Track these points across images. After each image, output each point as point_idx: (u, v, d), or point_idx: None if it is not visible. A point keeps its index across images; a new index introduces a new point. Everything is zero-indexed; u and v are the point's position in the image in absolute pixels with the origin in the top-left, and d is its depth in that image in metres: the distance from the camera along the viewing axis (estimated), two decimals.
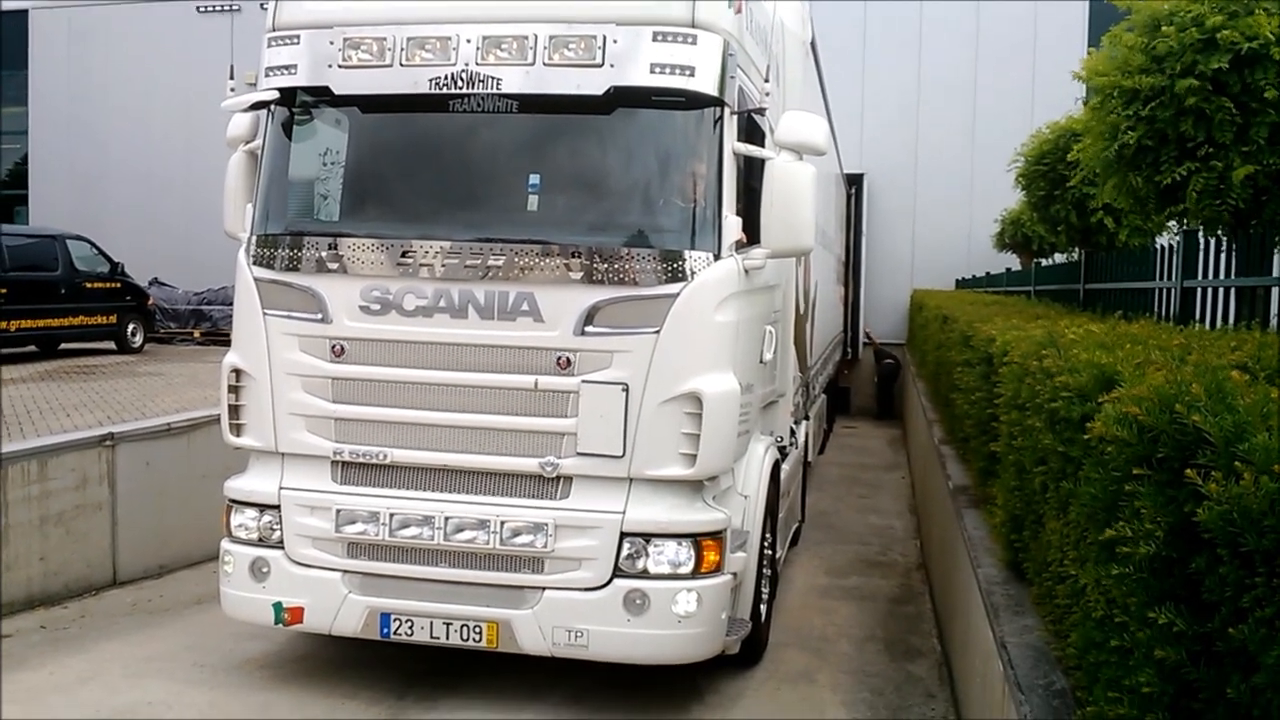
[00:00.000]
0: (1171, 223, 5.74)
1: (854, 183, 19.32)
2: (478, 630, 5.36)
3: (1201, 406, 2.30)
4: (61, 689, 5.89)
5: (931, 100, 20.09)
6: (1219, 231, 5.08)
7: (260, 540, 5.69)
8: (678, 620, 5.24)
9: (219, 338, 18.54)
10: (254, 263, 5.69)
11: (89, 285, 16.89)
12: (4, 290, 15.16)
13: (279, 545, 5.64)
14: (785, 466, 7.30)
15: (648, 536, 5.27)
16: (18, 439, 7.90)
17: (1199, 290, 5.46)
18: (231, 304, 5.96)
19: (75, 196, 23.60)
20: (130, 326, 17.55)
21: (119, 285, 17.52)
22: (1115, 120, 4.91)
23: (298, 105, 5.80)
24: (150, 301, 18.59)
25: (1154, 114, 4.68)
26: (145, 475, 8.23)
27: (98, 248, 17.46)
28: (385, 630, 5.46)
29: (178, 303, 21.21)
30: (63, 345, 16.77)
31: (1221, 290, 5.24)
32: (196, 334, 20.50)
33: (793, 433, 7.96)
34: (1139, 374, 2.84)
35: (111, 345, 17.29)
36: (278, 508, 5.64)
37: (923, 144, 20.22)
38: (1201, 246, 5.43)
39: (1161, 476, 2.34)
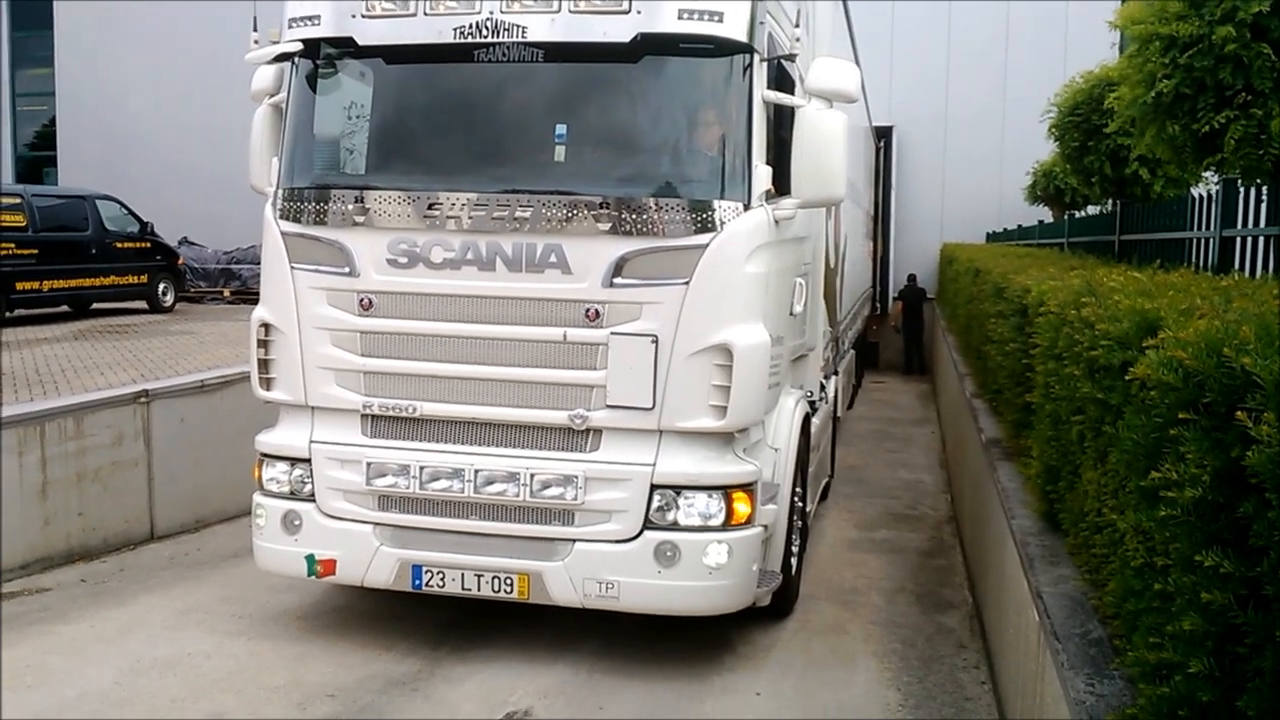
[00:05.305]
0: (1207, 173, 5.60)
1: (883, 135, 19.01)
2: (509, 582, 5.40)
3: (1251, 349, 2.24)
4: (103, 640, 6.00)
5: (962, 50, 19.69)
6: (1258, 180, 4.96)
7: (292, 493, 5.74)
8: (708, 572, 5.25)
9: (249, 296, 18.61)
10: (281, 216, 5.67)
11: (119, 245, 16.99)
12: (35, 251, 15.29)
13: (310, 498, 5.69)
14: (815, 420, 7.26)
15: (678, 489, 5.27)
16: (53, 397, 8.01)
17: (1238, 239, 5.35)
18: (260, 263, 5.96)
19: (103, 157, 23.69)
20: (161, 286, 17.66)
21: (149, 245, 17.61)
22: (1153, 68, 4.78)
23: (321, 57, 5.74)
24: (180, 261, 18.69)
25: (1192, 62, 4.55)
26: (180, 432, 8.33)
27: (127, 207, 17.53)
28: (417, 582, 5.51)
29: (207, 262, 21.34)
30: (94, 305, 16.93)
31: (1261, 239, 5.12)
32: (226, 293, 20.62)
33: (822, 387, 7.91)
34: (1183, 320, 2.78)
35: (143, 305, 17.43)
36: (309, 461, 5.68)
37: (953, 95, 19.85)
38: (1240, 195, 5.31)
39: (1208, 421, 2.29)
